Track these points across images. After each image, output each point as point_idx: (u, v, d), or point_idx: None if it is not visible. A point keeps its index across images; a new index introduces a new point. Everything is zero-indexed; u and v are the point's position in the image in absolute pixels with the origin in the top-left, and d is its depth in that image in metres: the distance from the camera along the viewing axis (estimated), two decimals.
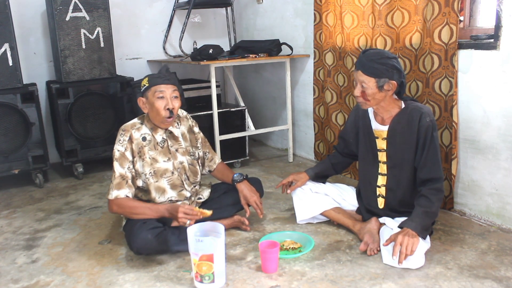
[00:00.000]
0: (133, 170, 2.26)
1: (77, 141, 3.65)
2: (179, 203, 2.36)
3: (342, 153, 2.57)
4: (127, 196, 2.21)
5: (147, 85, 2.24)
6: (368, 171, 2.36)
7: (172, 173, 2.33)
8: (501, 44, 2.28)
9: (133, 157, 2.26)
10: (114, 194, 2.20)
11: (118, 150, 2.24)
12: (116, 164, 2.23)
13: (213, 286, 1.91)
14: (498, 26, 2.27)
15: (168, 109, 2.22)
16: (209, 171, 2.58)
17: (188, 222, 2.07)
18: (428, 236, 2.15)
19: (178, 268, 2.12)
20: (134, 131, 2.27)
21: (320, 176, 2.58)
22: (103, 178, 3.58)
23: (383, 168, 2.29)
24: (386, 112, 2.22)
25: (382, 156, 2.28)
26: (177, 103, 2.26)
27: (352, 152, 2.51)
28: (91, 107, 3.61)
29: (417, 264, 2.01)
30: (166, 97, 2.22)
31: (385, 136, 2.24)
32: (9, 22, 3.15)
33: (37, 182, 3.41)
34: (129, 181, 2.23)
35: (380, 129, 2.26)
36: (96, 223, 2.70)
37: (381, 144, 2.27)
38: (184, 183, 2.38)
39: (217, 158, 2.59)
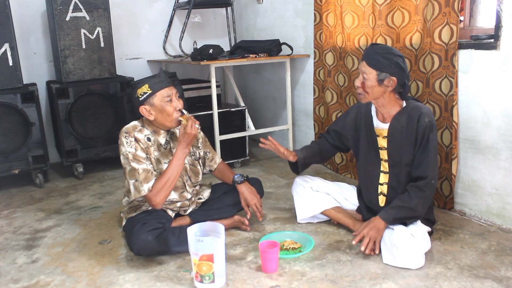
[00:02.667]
0: (152, 162, 2.24)
1: (77, 141, 3.65)
2: (178, 204, 2.37)
3: (331, 144, 2.54)
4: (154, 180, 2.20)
5: (149, 91, 2.19)
6: (370, 168, 2.36)
7: None
8: (501, 44, 2.28)
9: (145, 153, 2.24)
10: (146, 188, 2.16)
11: (129, 152, 2.20)
12: (134, 164, 2.18)
13: (213, 286, 1.91)
14: (498, 26, 2.27)
15: (179, 110, 2.23)
16: (210, 170, 2.58)
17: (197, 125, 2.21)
18: (428, 236, 2.15)
19: (178, 268, 2.12)
20: (137, 133, 2.25)
21: (306, 163, 2.53)
22: (103, 178, 3.58)
23: (385, 166, 2.29)
24: (386, 110, 2.23)
25: (384, 154, 2.28)
26: (181, 102, 2.27)
27: (344, 146, 2.50)
28: (91, 107, 3.61)
29: (417, 264, 2.01)
30: (174, 99, 2.23)
31: (386, 134, 2.25)
32: (9, 22, 3.15)
33: (37, 182, 3.41)
34: (154, 172, 2.22)
35: (381, 127, 2.27)
36: (96, 223, 2.70)
37: (382, 142, 2.28)
38: (186, 184, 2.38)
39: (218, 158, 2.59)
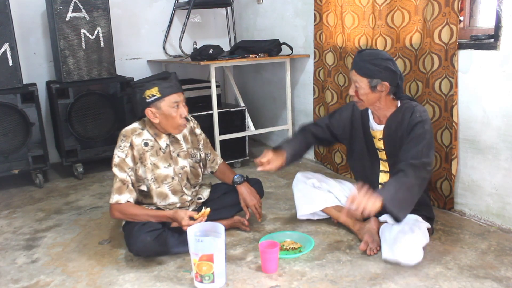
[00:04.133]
0: (134, 176, 2.23)
1: (77, 141, 3.65)
2: (178, 205, 2.36)
3: (319, 137, 2.46)
4: (128, 201, 2.19)
5: (158, 95, 2.15)
6: (368, 168, 2.35)
7: (173, 178, 2.31)
8: (501, 44, 2.28)
9: (135, 163, 2.23)
10: (115, 198, 2.18)
11: (118, 156, 2.20)
12: (115, 170, 2.20)
13: (213, 286, 1.91)
14: (498, 26, 2.27)
15: (184, 117, 2.22)
16: (211, 172, 2.58)
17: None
18: (427, 232, 2.16)
19: (178, 268, 2.12)
20: (135, 137, 2.24)
21: (291, 161, 2.40)
22: (103, 178, 3.58)
23: (385, 165, 2.30)
24: (383, 112, 2.23)
25: (382, 155, 2.29)
26: (187, 109, 2.25)
27: (335, 140, 2.46)
28: (91, 107, 3.61)
29: (415, 259, 2.01)
30: (181, 105, 2.20)
31: (381, 136, 2.25)
32: (9, 22, 3.16)
33: (37, 182, 3.41)
34: (130, 186, 2.21)
35: (376, 129, 2.28)
36: (96, 223, 2.70)
37: (379, 143, 2.28)
38: (184, 188, 2.37)
39: (219, 159, 2.58)
